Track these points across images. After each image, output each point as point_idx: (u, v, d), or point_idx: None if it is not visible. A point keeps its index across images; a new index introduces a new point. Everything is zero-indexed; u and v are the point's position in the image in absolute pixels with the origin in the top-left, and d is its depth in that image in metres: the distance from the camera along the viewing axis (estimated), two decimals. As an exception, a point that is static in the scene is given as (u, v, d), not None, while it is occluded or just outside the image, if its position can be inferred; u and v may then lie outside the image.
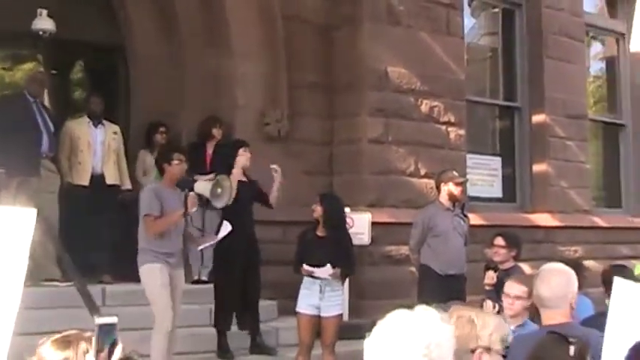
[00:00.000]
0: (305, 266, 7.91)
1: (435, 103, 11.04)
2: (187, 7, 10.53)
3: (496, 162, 12.50)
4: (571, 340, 3.36)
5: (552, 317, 4.41)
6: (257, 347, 8.64)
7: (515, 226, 10.80)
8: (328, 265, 7.83)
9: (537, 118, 12.60)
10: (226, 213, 8.35)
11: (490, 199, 12.23)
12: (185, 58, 10.60)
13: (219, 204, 7.82)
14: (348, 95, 10.71)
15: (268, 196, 8.71)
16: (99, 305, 8.49)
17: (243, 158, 8.63)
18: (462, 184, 9.07)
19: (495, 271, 8.07)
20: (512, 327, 6.00)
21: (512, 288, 6.11)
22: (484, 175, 12.18)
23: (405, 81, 10.77)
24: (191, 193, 7.50)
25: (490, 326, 3.45)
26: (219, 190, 7.67)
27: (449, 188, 8.89)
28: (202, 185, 7.85)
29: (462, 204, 9.24)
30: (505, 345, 3.51)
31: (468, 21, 12.70)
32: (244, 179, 8.66)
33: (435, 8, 11.12)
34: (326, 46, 10.89)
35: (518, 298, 6.04)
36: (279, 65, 10.56)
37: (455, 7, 11.38)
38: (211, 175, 9.70)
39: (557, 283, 4.45)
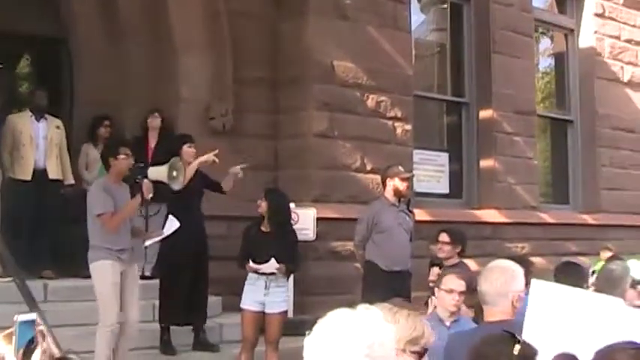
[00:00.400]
0: (251, 264, 7.84)
1: (382, 98, 10.99)
2: (130, 0, 10.43)
3: (443, 158, 12.47)
4: (519, 338, 3.31)
5: (493, 314, 4.40)
6: (200, 344, 8.57)
7: (461, 222, 10.87)
8: (273, 259, 7.77)
9: (485, 113, 12.60)
10: (173, 207, 8.34)
11: (437, 195, 12.20)
12: (128, 52, 10.47)
13: (177, 186, 7.69)
14: (293, 89, 10.64)
15: (219, 183, 8.66)
16: (41, 301, 8.49)
17: (187, 155, 8.56)
18: (408, 179, 9.01)
19: (440, 268, 8.05)
20: (448, 323, 6.02)
21: (456, 284, 6.11)
22: (431, 171, 12.14)
23: (351, 75, 10.72)
24: (145, 180, 7.41)
25: (397, 325, 3.40)
26: (174, 173, 7.54)
27: (394, 184, 8.82)
28: (157, 170, 7.75)
29: (407, 200, 9.21)
30: (420, 346, 3.47)
31: (417, 16, 12.67)
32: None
33: (382, 2, 11.08)
34: (272, 40, 10.82)
35: (462, 293, 6.06)
36: (223, 59, 10.46)
37: (402, 2, 11.34)
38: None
39: (498, 280, 4.42)
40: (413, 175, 9.35)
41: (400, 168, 8.97)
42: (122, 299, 7.50)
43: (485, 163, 12.56)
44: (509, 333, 3.34)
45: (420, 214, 10.67)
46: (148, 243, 8.00)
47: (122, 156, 7.53)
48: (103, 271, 7.40)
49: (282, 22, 10.81)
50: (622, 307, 3.94)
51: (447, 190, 12.44)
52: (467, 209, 12.34)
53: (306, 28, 10.58)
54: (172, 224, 7.76)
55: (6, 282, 7.99)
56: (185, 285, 8.49)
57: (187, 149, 8.60)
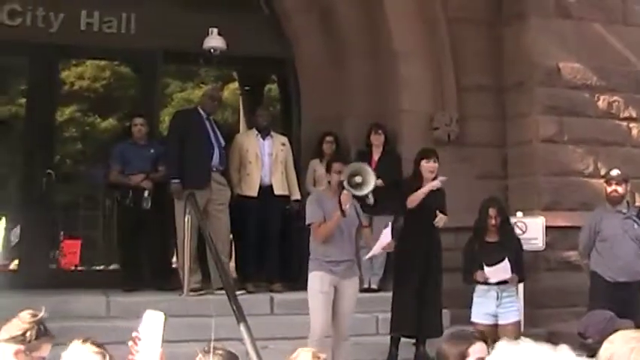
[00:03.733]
0: (485, 269, 7.60)
1: (614, 98, 10.39)
2: (349, 15, 10.55)
3: (687, 159, 11.54)
4: None
5: None
6: (419, 357, 8.36)
7: None
8: (506, 261, 7.56)
9: None
10: (408, 219, 8.29)
11: (681, 199, 11.32)
12: (350, 66, 10.60)
13: (359, 193, 7.38)
14: (518, 94, 10.30)
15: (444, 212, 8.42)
16: (267, 314, 8.74)
17: (425, 170, 8.37)
18: (613, 182, 8.28)
19: None
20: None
21: None
22: (676, 173, 11.30)
23: (578, 76, 10.23)
24: (344, 190, 7.33)
25: None
26: (357, 179, 7.31)
27: (605, 188, 8.34)
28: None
29: (638, 206, 8.64)
30: None
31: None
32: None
33: (608, -2, 10.54)
34: (493, 45, 10.53)
35: None
36: (445, 67, 10.32)
37: (632, -5, 10.69)
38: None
39: None
40: (616, 177, 8.45)
41: (613, 171, 8.39)
42: (334, 312, 7.45)
43: None
44: None
45: (665, 221, 10.01)
46: (365, 257, 7.84)
47: (335, 171, 7.57)
48: (313, 281, 7.46)
49: (502, 25, 10.51)
50: None
51: (693, 194, 11.51)
52: None
53: (527, 31, 10.22)
54: (385, 238, 7.52)
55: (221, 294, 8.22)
56: (414, 296, 8.27)
57: (425, 164, 8.39)
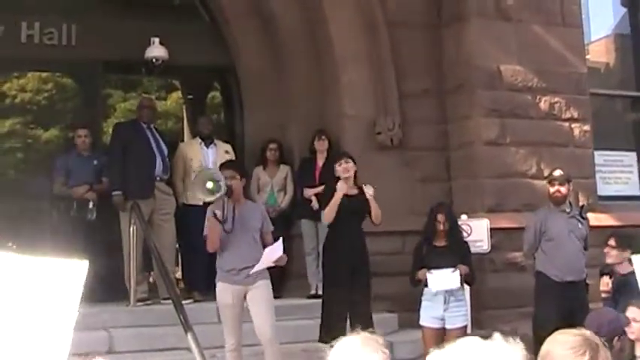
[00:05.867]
0: (429, 272, 7.62)
1: (556, 99, 10.46)
2: (290, 21, 10.54)
3: (631, 158, 11.67)
4: None
5: None
6: (362, 360, 8.29)
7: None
8: (455, 272, 7.65)
9: (675, 107, 11.73)
10: (331, 225, 8.24)
11: (626, 198, 11.40)
12: (291, 72, 10.59)
13: (212, 197, 7.12)
14: (459, 97, 10.33)
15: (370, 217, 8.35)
16: (215, 322, 8.62)
17: (339, 172, 8.28)
18: (555, 183, 8.33)
19: (610, 277, 7.51)
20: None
21: (632, 312, 5.64)
22: (617, 173, 11.45)
23: (519, 78, 10.29)
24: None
25: None
26: (208, 185, 7.04)
27: (548, 189, 8.38)
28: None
29: (581, 205, 8.69)
30: None
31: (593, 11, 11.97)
32: (354, 192, 8.40)
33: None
34: (433, 48, 10.56)
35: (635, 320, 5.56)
36: (386, 71, 10.31)
37: (571, -4, 10.78)
38: (320, 188, 9.60)
39: None
40: (558, 177, 8.52)
41: (556, 172, 8.45)
42: (253, 319, 7.31)
43: (679, 161, 11.64)
44: None
45: (607, 219, 10.10)
46: (254, 270, 7.54)
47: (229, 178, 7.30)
48: (218, 293, 7.34)
49: (442, 28, 10.56)
50: None
51: (637, 192, 11.61)
52: (662, 211, 11.46)
53: (467, 33, 10.27)
54: (272, 253, 7.19)
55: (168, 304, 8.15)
56: (343, 302, 8.18)
57: (338, 168, 8.32)
